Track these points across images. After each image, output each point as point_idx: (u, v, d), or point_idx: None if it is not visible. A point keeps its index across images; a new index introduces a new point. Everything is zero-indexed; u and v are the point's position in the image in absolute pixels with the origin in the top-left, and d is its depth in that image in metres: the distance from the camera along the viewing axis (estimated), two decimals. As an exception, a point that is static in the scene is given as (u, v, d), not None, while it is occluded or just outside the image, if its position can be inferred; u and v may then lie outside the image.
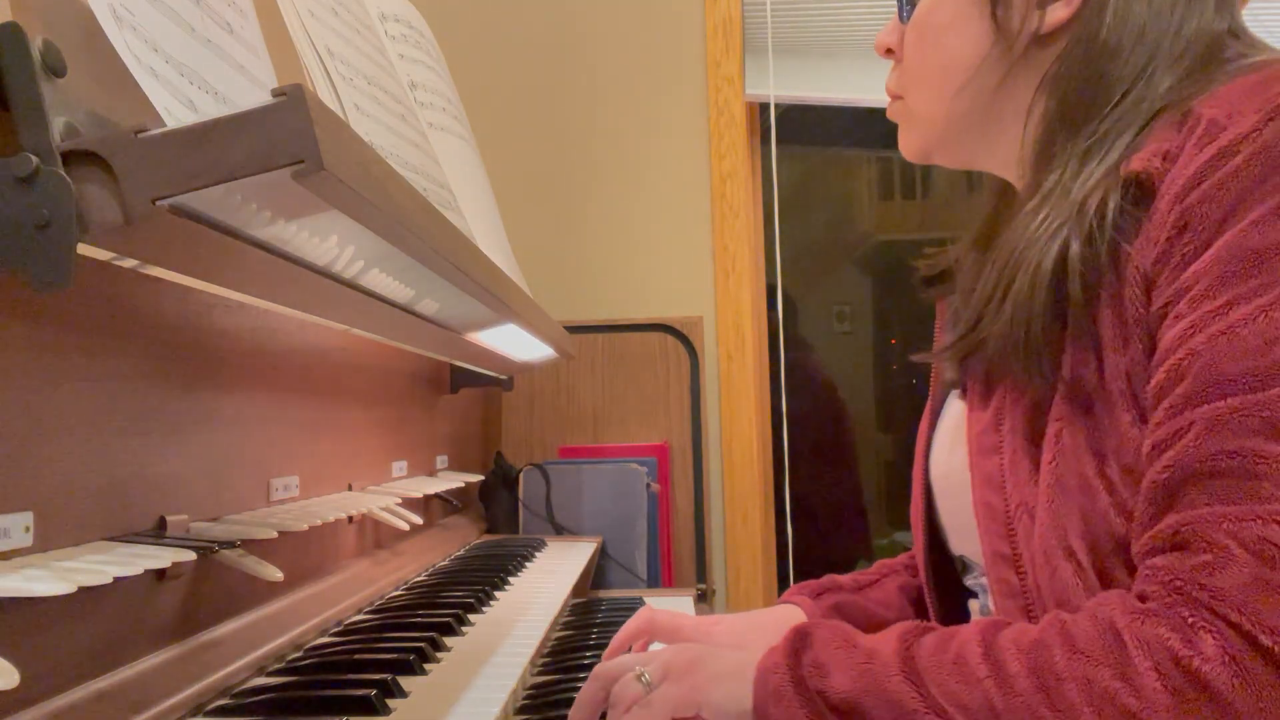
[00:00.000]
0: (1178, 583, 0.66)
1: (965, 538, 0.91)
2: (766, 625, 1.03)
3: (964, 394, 0.89)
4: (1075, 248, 0.75)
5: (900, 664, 0.73)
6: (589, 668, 1.05)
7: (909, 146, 0.95)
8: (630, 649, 1.03)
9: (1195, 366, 0.68)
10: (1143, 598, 0.68)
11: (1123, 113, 0.79)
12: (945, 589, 0.98)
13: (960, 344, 0.84)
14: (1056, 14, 0.83)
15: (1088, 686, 0.66)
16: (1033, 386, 0.79)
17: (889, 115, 0.96)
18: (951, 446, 0.92)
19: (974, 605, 0.95)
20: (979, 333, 0.81)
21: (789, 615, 1.05)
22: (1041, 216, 0.78)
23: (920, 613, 1.07)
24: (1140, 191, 0.74)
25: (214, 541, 0.79)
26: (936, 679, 0.71)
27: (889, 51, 0.94)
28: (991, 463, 0.83)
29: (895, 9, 0.93)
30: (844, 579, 1.11)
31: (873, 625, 1.05)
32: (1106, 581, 0.74)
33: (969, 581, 0.95)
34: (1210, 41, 0.81)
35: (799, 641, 0.78)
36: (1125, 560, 0.73)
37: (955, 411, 0.94)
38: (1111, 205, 0.74)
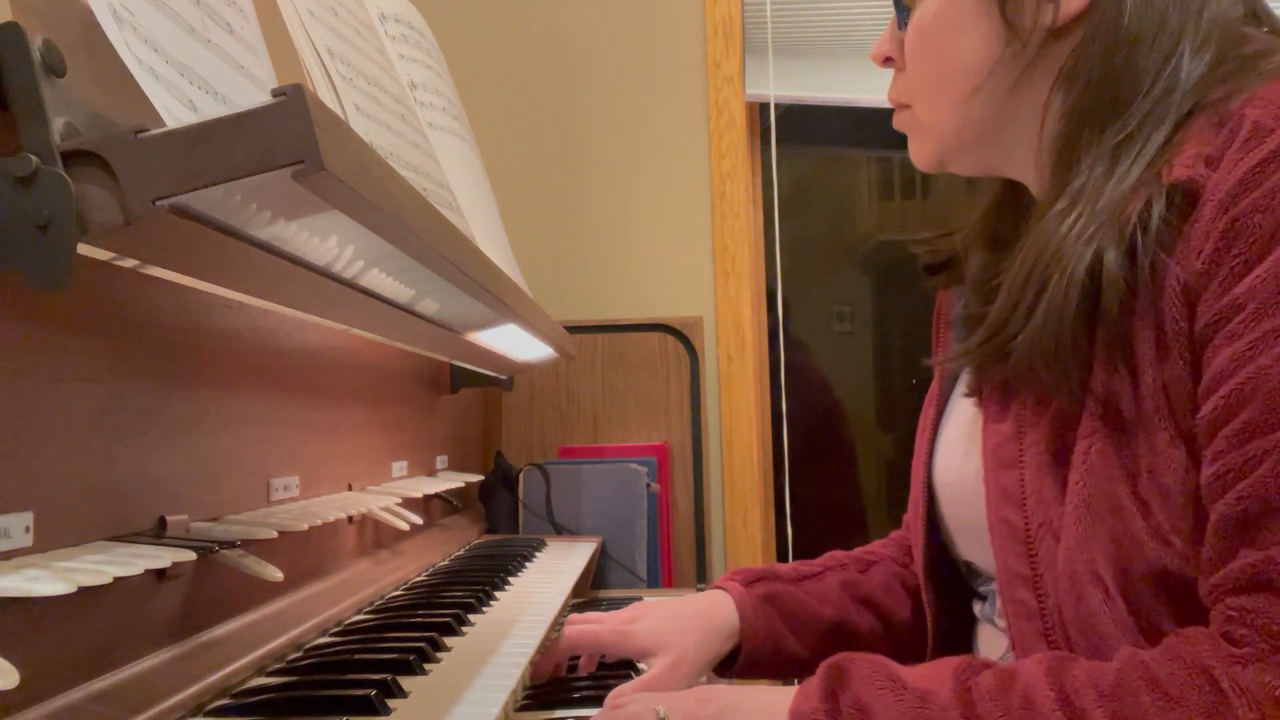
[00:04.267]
0: (1275, 627, 0.62)
1: (974, 546, 0.89)
2: (686, 623, 0.99)
3: (979, 401, 0.86)
4: (1112, 256, 0.70)
5: (961, 709, 0.68)
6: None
7: (921, 156, 0.90)
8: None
9: (1262, 391, 0.64)
10: (1232, 640, 0.64)
11: (1152, 105, 0.75)
12: (943, 590, 0.97)
13: (984, 348, 0.79)
14: (1071, 5, 0.78)
15: None
16: (1059, 399, 0.75)
17: (896, 125, 0.92)
18: (965, 454, 0.89)
19: (978, 608, 0.94)
20: (1005, 339, 0.77)
21: (715, 605, 1.01)
22: (1072, 219, 0.74)
23: (867, 612, 1.05)
24: (1183, 199, 0.70)
25: (214, 541, 0.79)
26: None
27: (888, 60, 0.90)
28: (1010, 477, 0.79)
29: (895, 11, 0.88)
30: (784, 568, 1.07)
31: (807, 619, 1.02)
32: (1135, 609, 0.71)
33: (979, 587, 0.94)
34: (1231, 26, 0.77)
35: (835, 679, 0.73)
36: (1157, 587, 0.70)
37: (964, 414, 0.91)
38: (1155, 215, 0.69)
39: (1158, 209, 0.70)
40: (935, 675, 0.71)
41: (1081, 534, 0.72)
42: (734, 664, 1.01)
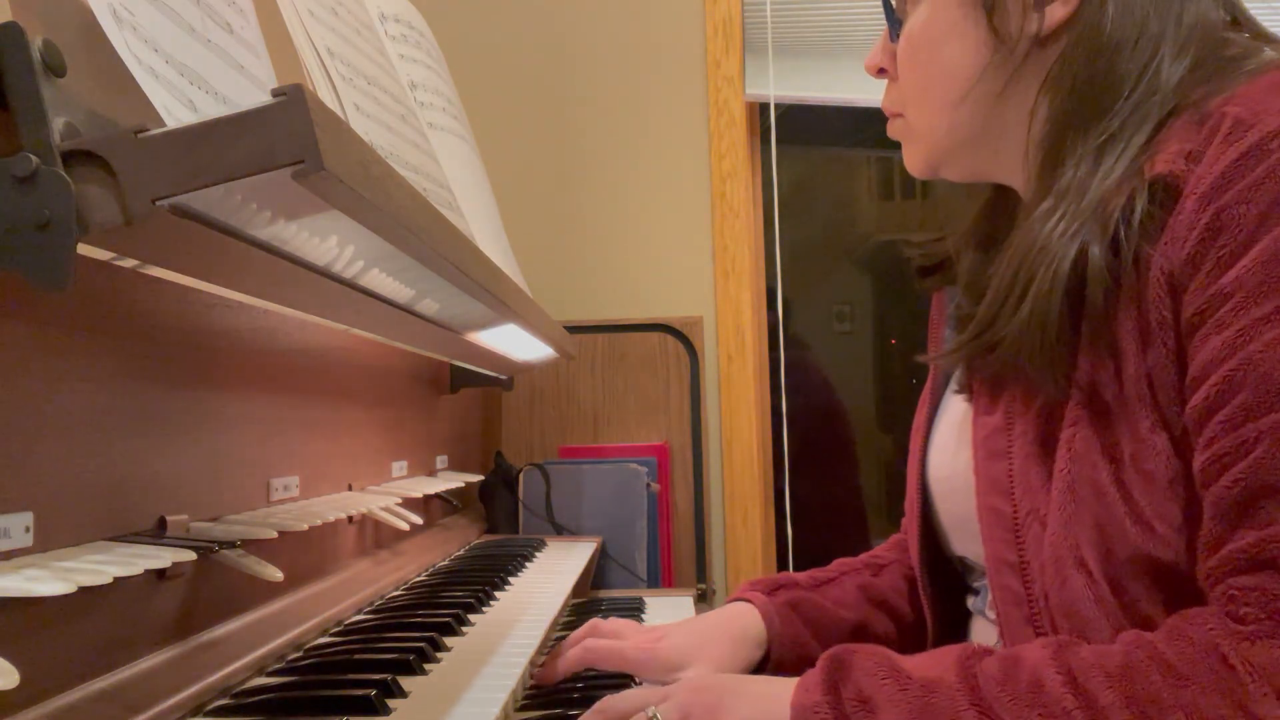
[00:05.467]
0: (1279, 604, 0.63)
1: (967, 539, 0.90)
2: (714, 634, 0.98)
3: (969, 396, 0.87)
4: (1095, 250, 0.72)
5: (968, 696, 0.67)
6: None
7: (914, 163, 0.92)
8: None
9: (1253, 376, 0.65)
10: (1237, 619, 0.64)
11: (1134, 106, 0.77)
12: (940, 587, 0.97)
13: (972, 345, 0.81)
14: (1056, 14, 0.81)
15: (1197, 716, 0.62)
16: (1046, 390, 0.76)
17: (890, 134, 0.93)
18: (956, 449, 0.90)
19: (971, 602, 0.94)
20: (993, 334, 0.78)
21: (739, 615, 1.01)
22: (1058, 216, 0.76)
23: (882, 614, 1.05)
24: (1165, 193, 0.71)
25: (214, 541, 0.79)
26: (1014, 711, 0.66)
27: (881, 71, 0.92)
28: (999, 467, 0.81)
29: (887, 24, 0.91)
30: (800, 576, 1.07)
31: (830, 624, 1.02)
32: (1118, 592, 0.71)
33: (972, 582, 0.94)
34: (1212, 30, 0.79)
35: (836, 671, 0.72)
36: (1139, 571, 0.71)
37: (956, 411, 0.93)
38: (1138, 208, 0.71)
39: (1140, 203, 0.71)
40: (937, 663, 0.71)
41: (1066, 519, 0.74)
42: (761, 673, 1.01)
